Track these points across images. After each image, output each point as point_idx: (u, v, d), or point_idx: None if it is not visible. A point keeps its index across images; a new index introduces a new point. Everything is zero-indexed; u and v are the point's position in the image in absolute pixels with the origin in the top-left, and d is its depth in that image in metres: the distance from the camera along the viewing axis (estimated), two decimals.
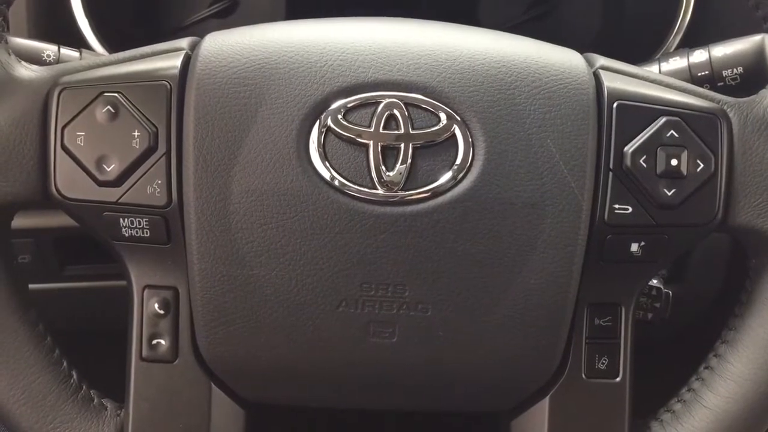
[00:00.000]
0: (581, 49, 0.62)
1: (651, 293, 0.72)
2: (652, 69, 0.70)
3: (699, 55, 0.70)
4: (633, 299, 0.59)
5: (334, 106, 0.55)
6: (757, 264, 0.59)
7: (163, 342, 0.58)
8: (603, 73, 0.58)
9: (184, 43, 0.59)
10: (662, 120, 0.56)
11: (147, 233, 0.56)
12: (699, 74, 0.69)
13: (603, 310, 0.59)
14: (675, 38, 0.86)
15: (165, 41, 0.59)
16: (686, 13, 0.86)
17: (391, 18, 0.61)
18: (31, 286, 0.66)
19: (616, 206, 0.56)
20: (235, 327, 0.56)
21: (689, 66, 0.70)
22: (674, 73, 0.69)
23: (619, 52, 0.64)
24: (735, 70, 0.69)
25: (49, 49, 0.69)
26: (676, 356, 0.87)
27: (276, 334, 0.56)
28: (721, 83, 0.69)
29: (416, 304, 0.55)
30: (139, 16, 0.97)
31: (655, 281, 0.72)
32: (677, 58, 0.71)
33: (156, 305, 0.57)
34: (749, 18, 0.83)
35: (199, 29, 0.97)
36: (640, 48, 0.86)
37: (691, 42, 0.84)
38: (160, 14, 0.99)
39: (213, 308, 0.56)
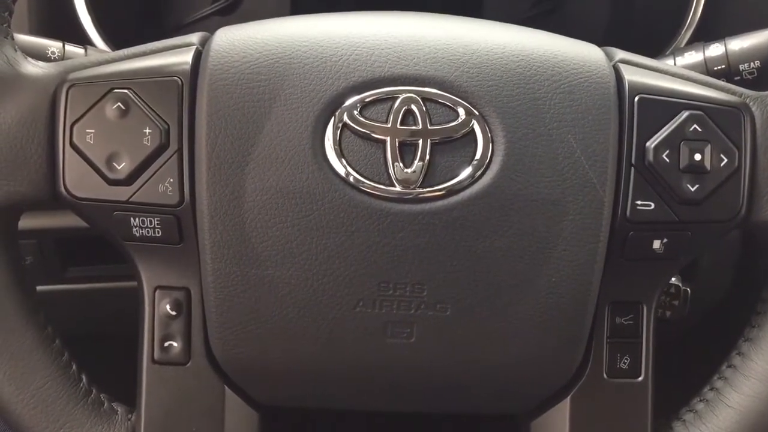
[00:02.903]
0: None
1: (669, 291, 0.70)
2: (669, 62, 0.69)
3: (715, 49, 0.69)
4: (655, 297, 0.58)
5: (350, 101, 0.53)
6: None
7: (175, 344, 0.56)
8: (623, 67, 0.57)
9: (194, 38, 0.57)
10: (685, 114, 0.55)
11: (158, 233, 0.54)
12: (715, 68, 0.68)
13: (624, 308, 0.57)
14: (686, 33, 0.85)
15: (168, 38, 0.58)
16: (697, 8, 0.85)
17: (405, 12, 0.60)
18: None
19: (639, 202, 0.55)
20: (249, 328, 0.55)
21: (705, 60, 0.69)
22: (690, 68, 0.68)
23: (628, 48, 0.63)
24: (752, 64, 0.68)
25: (53, 46, 0.68)
26: (685, 354, 0.86)
27: (291, 335, 0.54)
28: (738, 77, 0.68)
29: (435, 304, 0.54)
30: (142, 12, 0.96)
31: (673, 278, 0.71)
32: (693, 52, 0.70)
33: (168, 306, 0.56)
34: (762, 12, 0.82)
35: (202, 26, 0.96)
36: (649, 44, 0.85)
37: (701, 37, 0.83)
38: (163, 11, 0.98)
39: (226, 309, 0.54)
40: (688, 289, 0.70)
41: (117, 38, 0.84)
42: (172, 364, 0.56)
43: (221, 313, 0.54)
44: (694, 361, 0.84)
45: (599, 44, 0.61)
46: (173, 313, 0.56)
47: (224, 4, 0.95)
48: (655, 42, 0.86)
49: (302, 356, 0.55)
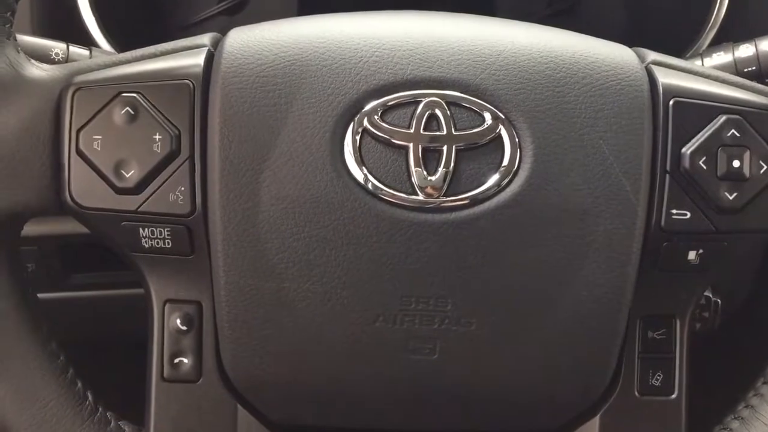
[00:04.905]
0: None
1: (700, 302, 0.68)
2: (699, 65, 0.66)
3: (745, 50, 0.66)
4: (689, 310, 0.55)
5: (371, 105, 0.51)
6: None
7: (185, 360, 0.54)
8: (656, 69, 0.54)
9: (206, 39, 0.55)
10: (722, 118, 0.52)
11: (169, 244, 0.52)
12: (745, 70, 0.66)
13: (657, 322, 0.55)
14: (709, 33, 0.82)
15: (174, 38, 0.56)
16: (721, 8, 0.82)
17: (427, 11, 0.57)
18: None
19: (674, 211, 0.52)
20: (263, 344, 0.52)
21: (735, 61, 0.66)
22: (719, 69, 0.65)
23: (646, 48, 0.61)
24: None
25: (57, 47, 0.65)
26: (704, 362, 0.83)
27: (307, 351, 0.52)
28: None
29: (459, 319, 0.51)
30: (147, 12, 0.94)
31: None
32: (722, 52, 0.67)
33: (178, 321, 0.54)
34: None
35: (208, 26, 0.94)
36: (667, 43, 0.82)
37: (723, 38, 0.81)
38: (168, 10, 0.95)
39: (240, 324, 0.52)
40: (719, 300, 0.68)
41: (121, 38, 0.82)
42: (182, 382, 0.54)
43: (234, 328, 0.52)
44: (714, 369, 0.82)
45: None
46: (184, 327, 0.54)
47: (231, 4, 0.93)
48: (673, 42, 0.83)
49: (319, 373, 0.52)
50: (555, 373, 0.53)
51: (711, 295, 0.68)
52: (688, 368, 0.56)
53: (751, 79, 0.65)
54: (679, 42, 0.84)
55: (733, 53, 0.67)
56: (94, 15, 0.81)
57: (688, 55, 0.79)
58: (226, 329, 0.52)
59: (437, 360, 0.52)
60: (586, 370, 0.53)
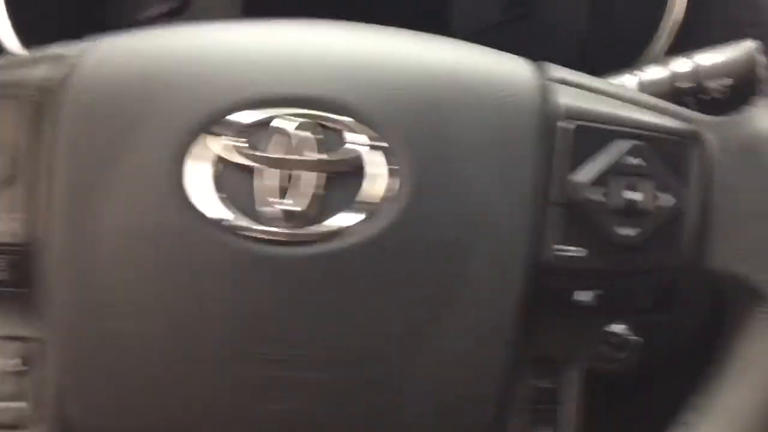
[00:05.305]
0: (565, 54, 0.53)
1: (611, 341, 0.62)
2: (631, 79, 0.61)
3: (682, 64, 0.60)
4: (583, 356, 0.50)
5: (222, 125, 0.46)
6: (737, 316, 0.50)
7: (19, 405, 0.49)
8: (555, 87, 0.49)
9: (73, 48, 0.50)
10: (622, 144, 0.47)
11: (3, 276, 0.47)
12: (682, 86, 0.60)
13: (545, 370, 0.49)
14: (656, 44, 0.77)
15: None
16: (670, 13, 0.76)
17: (316, 21, 0.52)
18: None
19: (562, 247, 0.47)
20: (105, 389, 0.47)
21: (671, 76, 0.60)
22: (653, 84, 0.59)
23: (607, 57, 0.56)
24: (722, 81, 0.59)
25: None
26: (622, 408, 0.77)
27: (152, 398, 0.47)
28: (707, 96, 0.59)
29: (318, 366, 0.46)
30: (81, 12, 0.90)
31: (620, 327, 0.62)
32: (659, 67, 0.62)
33: (11, 361, 0.49)
34: (742, 21, 0.74)
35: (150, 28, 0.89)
36: (630, 53, 0.77)
37: (680, 47, 0.75)
38: (107, 11, 0.91)
39: (81, 366, 0.47)
40: (639, 339, 0.62)
41: (48, 41, 0.78)
42: (14, 429, 0.49)
43: (73, 371, 0.47)
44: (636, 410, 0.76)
45: (575, 54, 0.53)
46: (18, 369, 0.49)
47: (171, 6, 0.89)
48: (635, 51, 0.78)
49: (165, 424, 0.47)
50: (426, 428, 0.48)
51: (629, 334, 0.62)
52: (581, 419, 0.50)
53: (687, 96, 0.59)
54: (640, 47, 0.78)
55: (670, 67, 0.61)
56: (10, 17, 0.77)
57: (636, 67, 0.74)
58: (65, 371, 0.47)
59: (294, 410, 0.47)
60: (462, 424, 0.48)
